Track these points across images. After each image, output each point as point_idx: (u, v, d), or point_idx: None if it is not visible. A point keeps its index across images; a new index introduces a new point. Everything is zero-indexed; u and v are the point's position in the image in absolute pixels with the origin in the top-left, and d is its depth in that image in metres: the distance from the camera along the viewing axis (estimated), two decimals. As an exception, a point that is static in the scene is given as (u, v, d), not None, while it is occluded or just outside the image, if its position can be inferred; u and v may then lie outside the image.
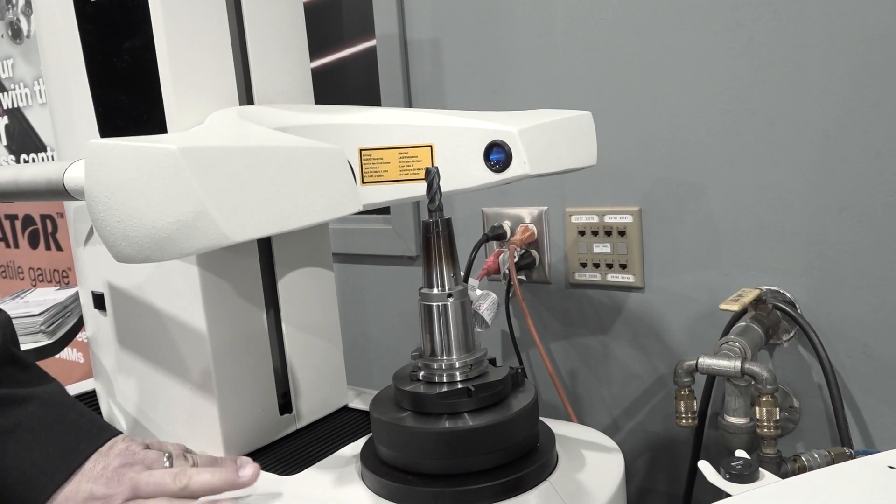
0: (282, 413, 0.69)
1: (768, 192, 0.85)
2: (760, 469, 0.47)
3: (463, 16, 1.04)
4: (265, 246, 0.67)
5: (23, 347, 0.92)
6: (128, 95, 0.61)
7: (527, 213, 1.04)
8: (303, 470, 0.62)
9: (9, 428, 0.53)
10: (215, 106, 0.62)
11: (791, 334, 0.86)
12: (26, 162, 1.35)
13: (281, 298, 0.68)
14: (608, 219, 0.97)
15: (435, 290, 0.56)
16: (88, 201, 0.40)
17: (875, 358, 0.82)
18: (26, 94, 1.30)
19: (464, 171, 0.64)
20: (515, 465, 0.55)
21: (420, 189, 0.63)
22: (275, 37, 0.67)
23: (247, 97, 0.65)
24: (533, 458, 0.56)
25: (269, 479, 0.61)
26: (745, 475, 0.47)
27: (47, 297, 1.04)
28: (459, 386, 0.55)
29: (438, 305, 0.56)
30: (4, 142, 1.38)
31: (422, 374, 0.57)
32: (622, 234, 0.96)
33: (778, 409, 0.69)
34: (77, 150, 0.68)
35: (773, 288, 0.86)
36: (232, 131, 0.47)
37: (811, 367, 0.86)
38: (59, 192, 0.53)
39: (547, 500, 0.54)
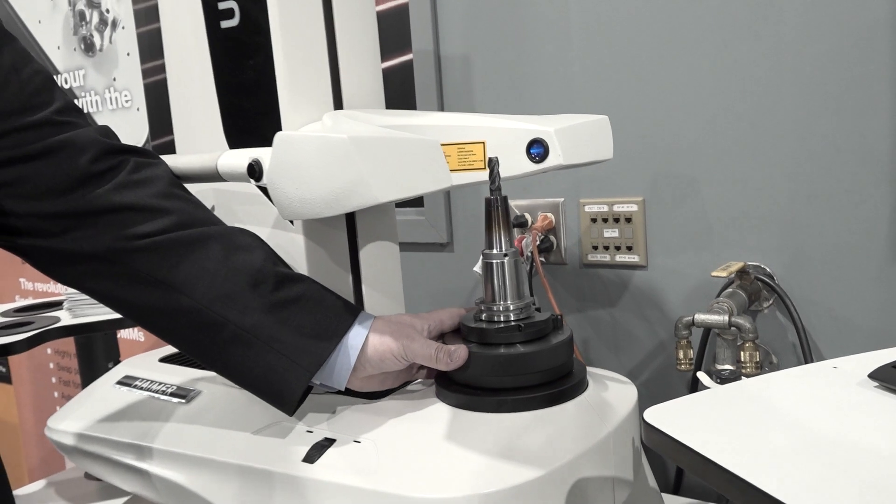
0: (361, 357, 0.86)
1: (750, 184, 1.03)
2: (742, 376, 0.64)
3: (490, 32, 1.22)
4: (350, 222, 0.84)
5: (95, 319, 1.09)
6: (249, 102, 0.78)
7: (546, 203, 1.21)
8: (385, 397, 0.79)
9: (294, 298, 0.68)
10: (317, 110, 0.79)
11: (770, 302, 1.03)
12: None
13: (361, 264, 0.85)
14: (616, 208, 1.14)
15: (495, 251, 0.74)
16: (272, 174, 0.57)
17: (839, 320, 1.00)
18: (97, 101, 1.47)
19: (509, 162, 0.81)
20: (556, 383, 0.72)
21: (474, 176, 0.80)
22: (358, 52, 0.84)
23: (337, 102, 0.82)
24: (569, 379, 0.73)
25: (359, 405, 0.78)
26: (730, 379, 0.64)
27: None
28: (512, 323, 0.73)
29: (497, 262, 0.73)
30: (74, 143, 1.55)
31: (484, 315, 0.74)
32: (628, 220, 1.13)
33: (758, 353, 0.87)
34: (193, 143, 0.84)
35: (754, 263, 1.03)
36: (363, 126, 0.64)
37: (787, 329, 1.04)
38: (211, 176, 0.70)
39: (582, 409, 0.71)
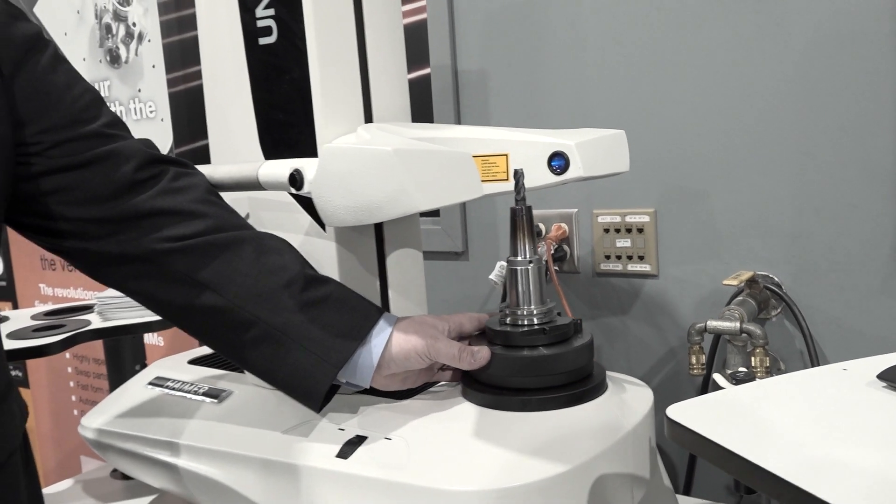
0: (387, 359, 0.90)
1: (758, 197, 1.07)
2: (756, 378, 0.68)
3: (506, 48, 1.26)
4: (378, 230, 0.88)
5: (149, 320, 1.13)
6: (285, 114, 0.82)
7: (560, 214, 1.25)
8: (412, 397, 0.82)
9: (322, 298, 0.72)
10: (349, 123, 0.83)
11: (778, 310, 1.07)
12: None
13: (388, 270, 0.89)
14: (629, 218, 1.18)
15: (519, 258, 0.77)
16: (318, 183, 0.61)
17: (845, 328, 1.03)
18: (121, 111, 1.51)
19: (531, 174, 0.84)
20: (577, 385, 0.76)
21: (497, 187, 0.84)
22: (387, 67, 0.88)
23: (368, 116, 0.86)
24: (590, 380, 0.77)
25: (389, 404, 0.81)
26: (745, 381, 0.67)
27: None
28: (536, 327, 0.76)
29: (522, 269, 0.77)
30: (97, 152, 1.59)
31: (508, 318, 0.78)
32: (640, 231, 1.17)
33: (768, 359, 0.90)
34: (229, 153, 0.88)
35: (763, 273, 1.07)
36: (401, 139, 0.68)
37: (794, 336, 1.07)
38: (251, 185, 0.74)
39: (602, 410, 0.75)
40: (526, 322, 0.77)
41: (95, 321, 1.13)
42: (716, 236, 1.11)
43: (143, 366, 1.23)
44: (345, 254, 0.83)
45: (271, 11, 0.81)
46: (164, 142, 1.45)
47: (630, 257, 1.19)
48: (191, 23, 1.71)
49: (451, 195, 0.63)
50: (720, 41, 1.06)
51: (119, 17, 1.46)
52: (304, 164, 0.69)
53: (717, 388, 0.70)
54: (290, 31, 0.80)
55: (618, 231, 1.19)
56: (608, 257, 1.21)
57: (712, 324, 0.94)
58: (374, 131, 0.75)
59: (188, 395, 0.94)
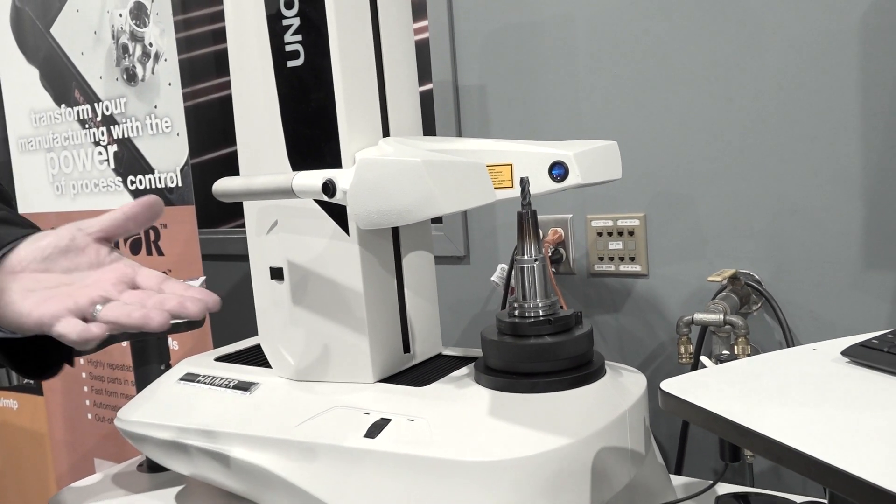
0: (404, 352, 0.98)
1: (740, 201, 1.16)
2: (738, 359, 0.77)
3: (503, 65, 1.36)
4: (395, 235, 0.96)
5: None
6: (311, 130, 0.91)
7: (556, 219, 1.34)
8: (430, 384, 0.91)
9: None
10: (370, 137, 0.91)
11: (758, 305, 1.16)
12: (133, 182, 1.64)
13: (404, 269, 0.97)
14: (620, 222, 1.28)
15: (526, 257, 0.86)
16: (354, 190, 0.69)
17: (819, 320, 1.13)
18: (137, 127, 1.59)
19: (533, 182, 0.93)
20: (580, 369, 0.85)
21: (503, 194, 0.92)
22: (402, 86, 0.97)
23: (385, 130, 0.95)
24: (591, 365, 0.86)
25: (409, 390, 0.90)
26: (728, 361, 0.76)
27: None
28: (542, 318, 0.85)
29: (528, 266, 0.86)
30: (113, 165, 1.66)
31: (516, 311, 0.87)
32: (631, 234, 1.27)
33: (749, 347, 0.99)
34: (257, 165, 0.97)
35: (744, 270, 1.17)
36: (423, 151, 0.76)
37: (773, 329, 1.17)
38: (284, 193, 0.82)
39: (602, 391, 0.84)
40: (532, 314, 0.86)
41: (125, 323, 1.20)
42: (701, 238, 1.21)
43: (168, 366, 1.30)
44: (366, 255, 0.92)
45: (299, 37, 0.90)
46: (180, 155, 1.53)
47: (622, 258, 1.28)
48: (203, 41, 1.79)
49: (469, 200, 0.72)
50: (703, 60, 1.16)
51: (136, 38, 1.54)
52: (335, 175, 0.77)
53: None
54: (317, 56, 0.89)
55: (610, 234, 1.29)
56: (601, 259, 1.30)
57: (699, 316, 1.03)
58: (395, 145, 0.84)
59: (219, 389, 1.01)
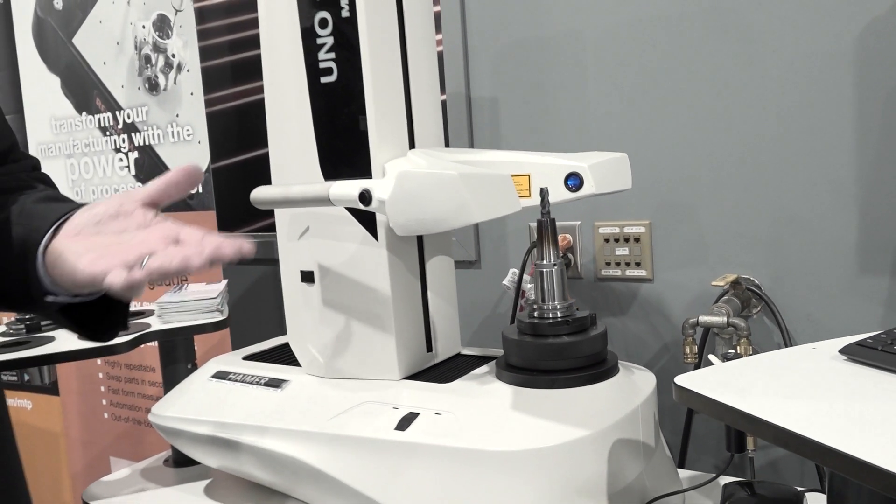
0: (427, 351, 1.04)
1: (741, 210, 1.23)
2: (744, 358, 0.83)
3: (515, 79, 1.42)
4: (420, 240, 1.02)
5: (203, 322, 1.26)
6: (343, 141, 0.97)
7: (564, 226, 1.41)
8: (453, 381, 0.97)
9: (57, 197, 0.69)
10: (397, 148, 0.98)
11: (758, 308, 1.23)
12: (154, 188, 1.69)
13: (427, 273, 1.03)
14: (627, 229, 1.34)
15: (545, 262, 0.92)
16: (394, 199, 0.75)
17: (816, 323, 1.19)
18: (159, 135, 1.65)
19: (550, 192, 1.00)
20: (595, 367, 0.91)
21: (522, 202, 0.99)
22: (426, 101, 1.03)
23: (411, 142, 1.01)
24: (605, 363, 0.92)
25: (434, 386, 0.95)
26: (734, 359, 0.83)
27: (205, 288, 1.37)
28: (560, 319, 0.91)
29: (547, 271, 0.92)
30: (133, 172, 1.72)
31: (536, 312, 0.93)
32: (637, 240, 1.33)
33: (751, 348, 1.06)
34: (291, 173, 1.02)
35: (745, 276, 1.23)
36: (454, 164, 0.83)
37: (772, 331, 1.23)
38: (322, 201, 0.88)
39: (616, 387, 0.90)
40: (551, 315, 0.92)
41: (156, 324, 1.26)
42: (704, 244, 1.27)
43: (194, 365, 1.36)
44: (393, 259, 0.98)
45: (332, 55, 0.96)
46: (201, 162, 1.59)
47: (628, 264, 1.34)
48: (220, 51, 1.84)
49: (499, 209, 0.78)
50: (707, 75, 1.23)
51: (158, 49, 1.60)
52: (370, 185, 0.83)
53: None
54: (349, 72, 0.95)
55: (617, 241, 1.35)
56: (608, 264, 1.37)
57: (703, 318, 1.10)
58: (424, 157, 0.90)
59: (251, 385, 1.07)
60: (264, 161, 1.77)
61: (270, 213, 1.79)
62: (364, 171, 0.96)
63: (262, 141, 1.76)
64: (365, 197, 0.83)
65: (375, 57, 0.95)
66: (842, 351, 0.74)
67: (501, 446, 0.81)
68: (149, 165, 1.68)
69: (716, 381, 0.72)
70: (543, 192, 0.92)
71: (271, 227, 1.80)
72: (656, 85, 1.28)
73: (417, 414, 0.90)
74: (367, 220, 0.97)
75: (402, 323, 1.00)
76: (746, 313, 1.23)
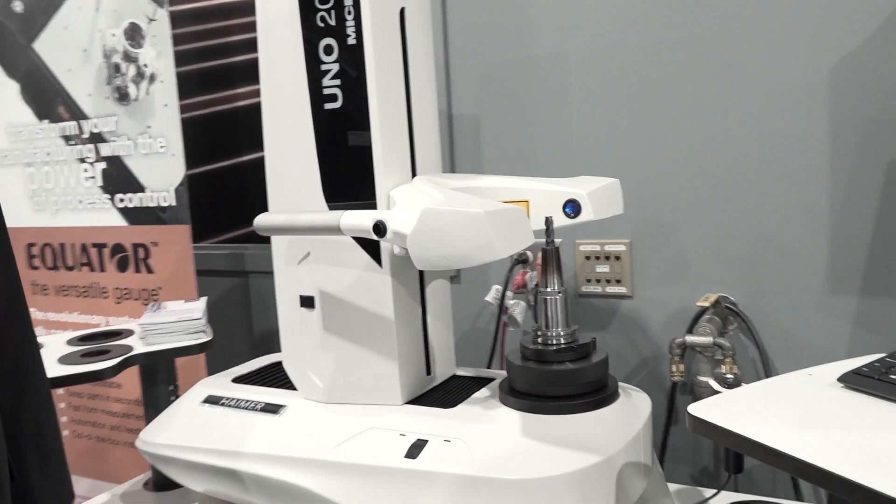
0: (426, 374, 1.05)
1: (719, 231, 1.28)
2: (741, 382, 0.87)
3: (497, 95, 1.44)
4: (420, 264, 1.03)
5: (189, 343, 1.24)
6: (347, 167, 0.97)
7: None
8: (457, 405, 0.98)
9: None
10: (401, 175, 0.98)
11: (735, 325, 1.28)
12: (122, 200, 1.64)
13: (427, 298, 1.04)
14: (607, 247, 1.37)
15: (549, 289, 0.94)
16: (417, 235, 0.76)
17: (789, 339, 1.25)
18: (129, 146, 1.60)
19: (546, 217, 1.02)
20: (599, 392, 0.93)
21: (520, 228, 1.01)
22: (426, 127, 1.04)
23: (413, 168, 1.02)
24: (606, 389, 0.95)
25: (438, 412, 0.96)
26: (734, 385, 0.86)
27: (185, 306, 1.35)
28: (564, 346, 0.93)
29: (551, 298, 0.94)
30: (101, 183, 1.67)
31: (540, 339, 0.95)
32: (618, 258, 1.37)
33: (736, 366, 1.10)
34: (291, 200, 1.02)
35: (722, 294, 1.28)
36: (469, 198, 0.83)
37: (748, 346, 1.29)
38: (332, 230, 0.88)
39: (619, 412, 0.93)
40: (555, 342, 0.94)
41: (138, 346, 1.23)
42: (683, 263, 1.32)
43: (176, 386, 1.33)
44: (396, 285, 0.98)
45: (337, 82, 0.95)
46: (175, 175, 1.55)
47: (609, 281, 1.38)
48: (188, 58, 1.80)
49: (518, 245, 0.80)
50: (689, 101, 1.27)
51: (129, 58, 1.55)
52: (385, 216, 0.84)
53: (709, 389, 0.89)
54: (355, 100, 0.95)
55: (598, 258, 1.38)
56: (589, 280, 1.40)
57: (690, 339, 1.14)
58: (431, 185, 0.91)
59: (247, 411, 1.06)
60: (239, 170, 1.75)
61: (244, 224, 1.77)
62: (369, 197, 0.96)
63: (237, 149, 1.74)
64: (380, 228, 0.83)
65: (381, 83, 0.95)
66: (841, 379, 0.79)
67: (517, 474, 0.83)
68: (118, 177, 1.63)
69: (728, 410, 0.75)
70: (549, 222, 0.93)
71: (244, 239, 1.78)
72: (639, 109, 1.31)
73: (426, 441, 0.90)
74: (371, 247, 0.98)
75: (405, 347, 1.00)
76: (723, 329, 1.28)
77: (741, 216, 1.26)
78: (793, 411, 0.74)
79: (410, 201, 0.87)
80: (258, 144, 1.72)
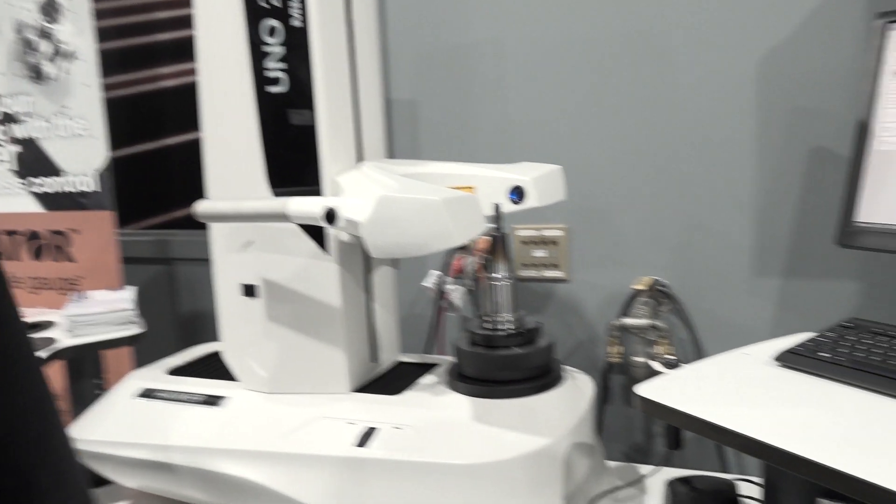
0: (371, 361, 1.04)
1: (651, 217, 1.32)
2: (679, 363, 0.91)
3: (436, 81, 1.43)
4: (365, 254, 1.02)
5: (120, 335, 1.19)
6: (292, 153, 0.95)
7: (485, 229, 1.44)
8: (405, 392, 0.98)
9: None
10: (347, 161, 0.97)
11: (668, 307, 1.33)
12: (38, 185, 1.56)
13: (374, 284, 1.03)
14: (545, 233, 1.40)
15: (498, 275, 0.95)
16: (372, 223, 0.74)
17: (717, 320, 1.31)
18: (46, 127, 1.51)
19: (494, 203, 1.03)
20: (545, 376, 0.95)
21: (466, 214, 1.01)
22: (373, 112, 1.03)
23: (360, 154, 1.00)
24: (553, 373, 0.97)
25: (386, 399, 0.96)
26: (674, 364, 0.90)
27: (111, 296, 1.29)
28: (514, 331, 0.95)
29: (500, 284, 0.95)
30: (16, 167, 1.57)
31: (488, 324, 0.95)
32: (555, 243, 1.39)
33: (672, 347, 1.14)
34: (233, 187, 0.99)
35: (654, 277, 1.32)
36: (422, 185, 0.83)
37: (679, 327, 1.34)
38: (279, 217, 0.86)
39: (566, 394, 0.95)
40: (504, 327, 0.95)
41: (64, 338, 1.17)
42: (617, 247, 1.35)
43: (101, 380, 1.28)
44: (343, 272, 0.97)
45: (282, 65, 0.93)
46: (96, 158, 1.48)
47: (546, 266, 1.40)
48: (131, 31, 1.71)
49: (472, 231, 0.80)
50: (625, 90, 1.30)
51: (45, 35, 1.46)
52: (336, 203, 0.82)
53: (645, 369, 0.92)
54: (300, 83, 0.93)
55: (536, 243, 1.41)
56: (526, 265, 1.42)
57: (628, 321, 1.17)
58: (379, 172, 0.90)
59: (186, 404, 1.03)
60: (166, 153, 1.68)
61: (170, 210, 1.71)
62: (314, 183, 0.95)
63: (163, 132, 1.67)
64: (331, 216, 0.82)
65: (327, 67, 0.93)
66: (778, 359, 0.83)
67: (469, 459, 0.83)
68: (33, 161, 1.54)
69: (674, 390, 0.78)
70: (497, 209, 0.94)
71: (171, 225, 1.72)
72: (577, 96, 1.34)
73: (376, 429, 0.90)
74: (317, 234, 0.96)
75: (351, 335, 0.99)
76: (657, 312, 1.32)
77: (674, 202, 1.30)
78: (735, 390, 0.77)
79: (361, 188, 0.85)
80: (186, 127, 1.65)
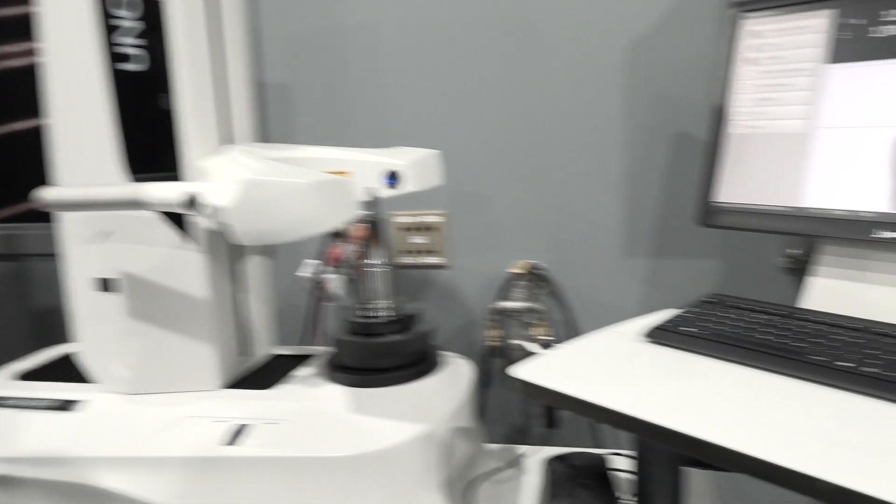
0: (241, 355, 1.00)
1: (528, 202, 1.33)
2: (553, 343, 0.92)
3: (310, 64, 1.39)
4: (232, 242, 0.97)
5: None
6: (151, 136, 0.88)
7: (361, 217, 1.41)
8: (277, 385, 0.94)
9: None
10: (211, 144, 0.91)
11: (545, 290, 1.35)
12: None
13: (245, 275, 0.99)
14: (423, 219, 1.39)
15: (375, 262, 0.93)
16: (237, 208, 0.70)
17: (591, 300, 1.34)
18: None
19: (369, 188, 1.00)
20: (423, 363, 0.94)
21: (340, 200, 0.98)
22: (241, 92, 0.97)
23: (229, 137, 0.95)
24: (431, 360, 0.96)
25: (259, 394, 0.92)
26: (549, 344, 0.91)
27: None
28: (393, 317, 0.93)
29: (376, 271, 0.93)
30: None
31: (366, 312, 0.93)
32: (434, 229, 1.38)
33: (551, 329, 1.16)
34: (85, 173, 0.91)
35: (531, 261, 1.34)
36: (292, 168, 0.79)
37: (555, 309, 1.36)
38: (135, 204, 0.80)
39: (444, 380, 0.94)
40: (382, 314, 0.93)
41: None
42: (495, 233, 1.36)
43: (-59, 388, 1.15)
44: (209, 262, 0.92)
45: (137, 41, 0.86)
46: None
47: (425, 252, 1.39)
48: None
49: (342, 216, 0.77)
50: (500, 75, 1.31)
51: None
52: (197, 188, 0.77)
53: (521, 351, 0.93)
54: (157, 60, 0.87)
55: (415, 230, 1.39)
56: (406, 252, 1.40)
57: (506, 305, 1.18)
58: (249, 156, 0.85)
59: (37, 410, 0.94)
60: (11, 139, 1.53)
61: (17, 202, 1.57)
62: (173, 168, 0.89)
63: (8, 116, 1.52)
64: (192, 202, 0.77)
65: (189, 44, 0.87)
66: (648, 335, 0.86)
67: (346, 451, 0.81)
68: None
69: (550, 371, 0.79)
70: (374, 194, 0.92)
71: (19, 218, 1.58)
72: (453, 80, 1.33)
73: (247, 425, 0.86)
74: (180, 222, 0.90)
75: (220, 328, 0.94)
76: (534, 295, 1.35)
77: (547, 187, 1.32)
78: (607, 367, 0.79)
79: (227, 172, 0.81)
80: (34, 111, 1.52)
